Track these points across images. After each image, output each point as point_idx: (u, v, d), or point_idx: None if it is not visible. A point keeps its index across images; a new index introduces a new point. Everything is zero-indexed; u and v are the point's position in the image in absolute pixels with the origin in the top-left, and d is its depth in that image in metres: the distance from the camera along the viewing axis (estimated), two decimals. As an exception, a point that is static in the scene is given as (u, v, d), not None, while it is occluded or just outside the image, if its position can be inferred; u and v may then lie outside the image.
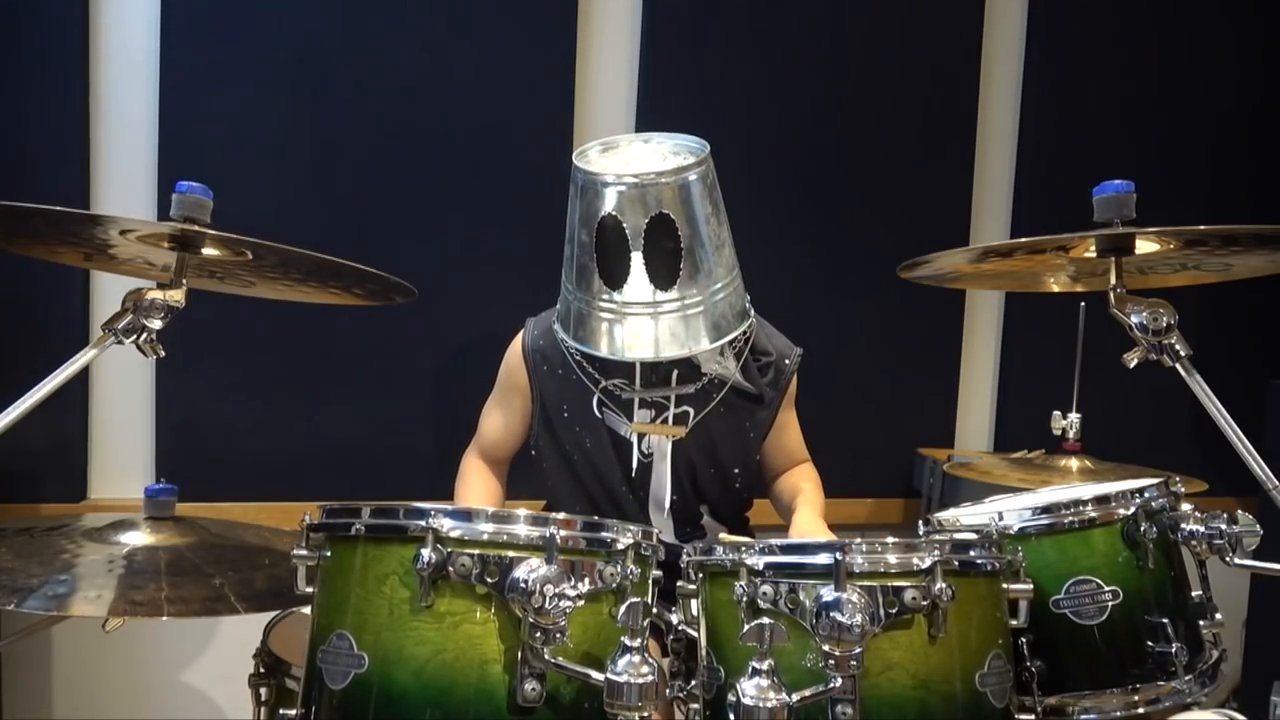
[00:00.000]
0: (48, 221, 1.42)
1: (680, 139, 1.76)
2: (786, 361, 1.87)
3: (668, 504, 1.82)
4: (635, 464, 1.80)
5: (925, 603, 1.15)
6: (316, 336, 2.28)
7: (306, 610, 1.26)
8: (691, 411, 1.79)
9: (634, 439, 1.80)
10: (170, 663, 2.32)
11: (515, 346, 1.88)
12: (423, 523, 1.13)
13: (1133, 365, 1.42)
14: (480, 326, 2.35)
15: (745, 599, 1.18)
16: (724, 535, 1.72)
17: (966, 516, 1.48)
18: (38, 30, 2.12)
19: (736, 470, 1.86)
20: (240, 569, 1.45)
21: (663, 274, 1.65)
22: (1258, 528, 1.34)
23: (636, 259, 1.64)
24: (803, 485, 1.90)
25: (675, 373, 1.78)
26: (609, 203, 1.63)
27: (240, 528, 1.66)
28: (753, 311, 1.81)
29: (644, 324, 1.66)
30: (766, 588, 1.18)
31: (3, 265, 1.96)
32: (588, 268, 1.68)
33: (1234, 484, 1.72)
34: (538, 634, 1.09)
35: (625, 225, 1.63)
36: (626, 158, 1.73)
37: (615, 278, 1.66)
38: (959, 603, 1.17)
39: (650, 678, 1.08)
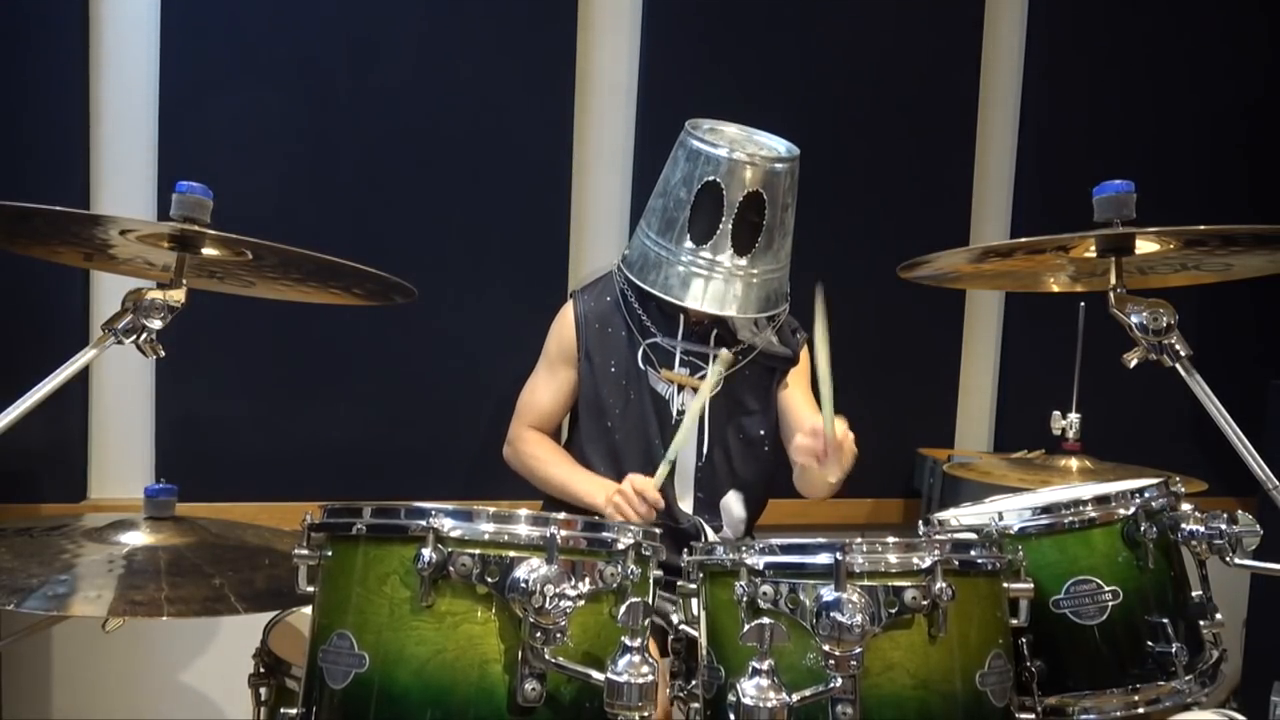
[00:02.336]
0: (48, 221, 1.42)
1: (777, 141, 1.97)
2: (797, 336, 2.05)
3: (693, 467, 1.94)
4: (673, 419, 1.94)
5: (925, 602, 1.15)
6: (316, 336, 2.28)
7: (306, 610, 1.26)
8: (722, 370, 1.93)
9: (670, 393, 1.94)
10: (170, 663, 2.32)
11: (566, 316, 2.02)
12: (423, 522, 1.13)
13: (1133, 365, 1.41)
14: (480, 326, 2.36)
15: (745, 599, 1.18)
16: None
17: (966, 516, 1.48)
18: (38, 30, 2.12)
19: (762, 432, 1.99)
20: (240, 569, 1.45)
21: (743, 243, 1.86)
22: (1258, 528, 1.34)
23: (726, 224, 1.84)
24: None
25: (714, 333, 1.95)
26: (716, 171, 1.85)
27: (240, 528, 1.66)
28: (790, 297, 2.01)
29: (707, 282, 1.87)
30: (767, 588, 1.18)
31: (3, 265, 1.96)
32: (676, 221, 1.88)
33: (1234, 484, 1.72)
34: (538, 634, 1.09)
35: (725, 193, 1.84)
36: (729, 139, 1.93)
37: (702, 235, 1.86)
38: (959, 602, 1.17)
39: (650, 678, 1.08)
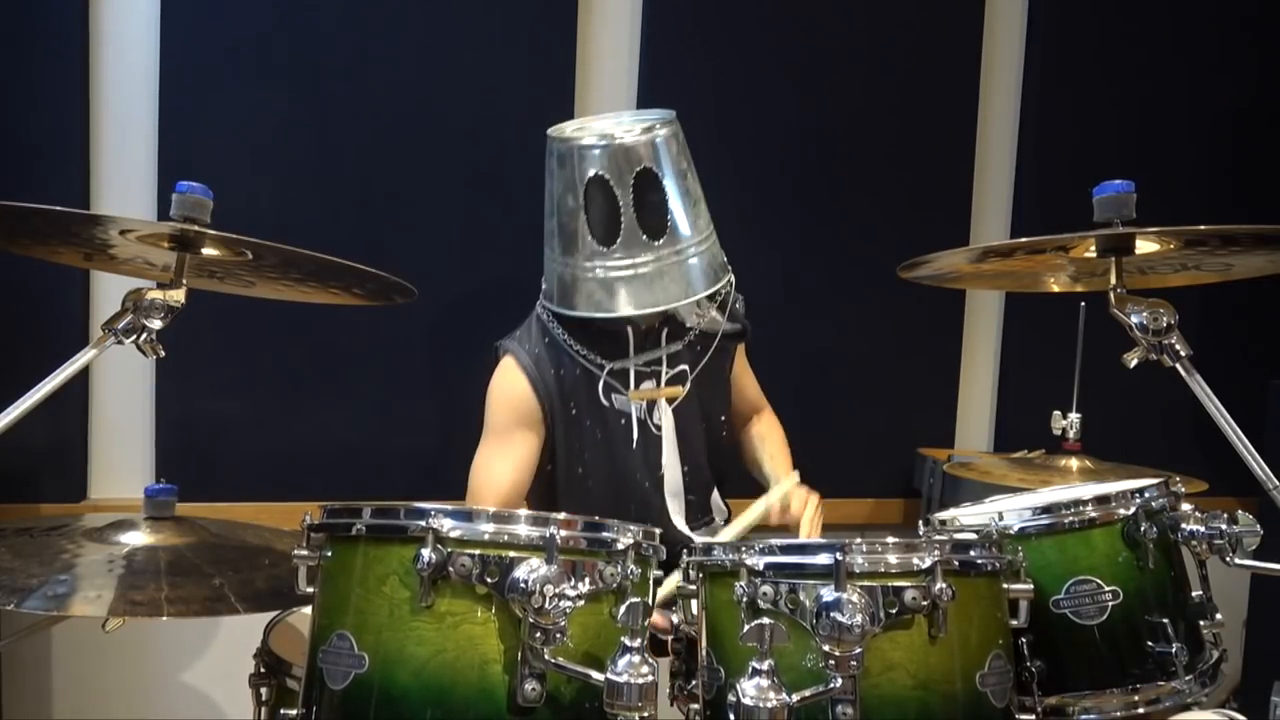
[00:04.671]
0: (48, 221, 1.42)
1: (644, 112, 1.86)
2: (739, 306, 1.94)
3: (680, 478, 1.85)
4: (649, 440, 1.83)
5: (925, 603, 1.15)
6: (316, 336, 2.28)
7: (306, 610, 1.26)
8: (687, 369, 1.86)
9: (642, 412, 1.83)
10: (170, 663, 2.32)
11: (512, 376, 1.82)
12: (423, 523, 1.13)
13: (1133, 365, 1.42)
14: (480, 326, 2.34)
15: (745, 599, 1.18)
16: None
17: (966, 516, 1.48)
18: (38, 30, 2.12)
19: (723, 418, 1.94)
20: (240, 569, 1.45)
21: (653, 226, 1.71)
22: (1258, 528, 1.34)
23: (627, 214, 1.70)
24: (765, 433, 2.04)
25: (665, 332, 1.84)
26: (595, 164, 1.70)
27: (240, 528, 1.66)
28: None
29: (636, 279, 1.71)
30: (767, 588, 1.18)
31: (3, 265, 1.96)
32: (576, 232, 1.73)
33: (1234, 484, 1.71)
34: (538, 634, 1.09)
35: (613, 182, 1.69)
36: (598, 130, 1.78)
37: (608, 235, 1.71)
38: (959, 603, 1.17)
39: (650, 678, 1.08)
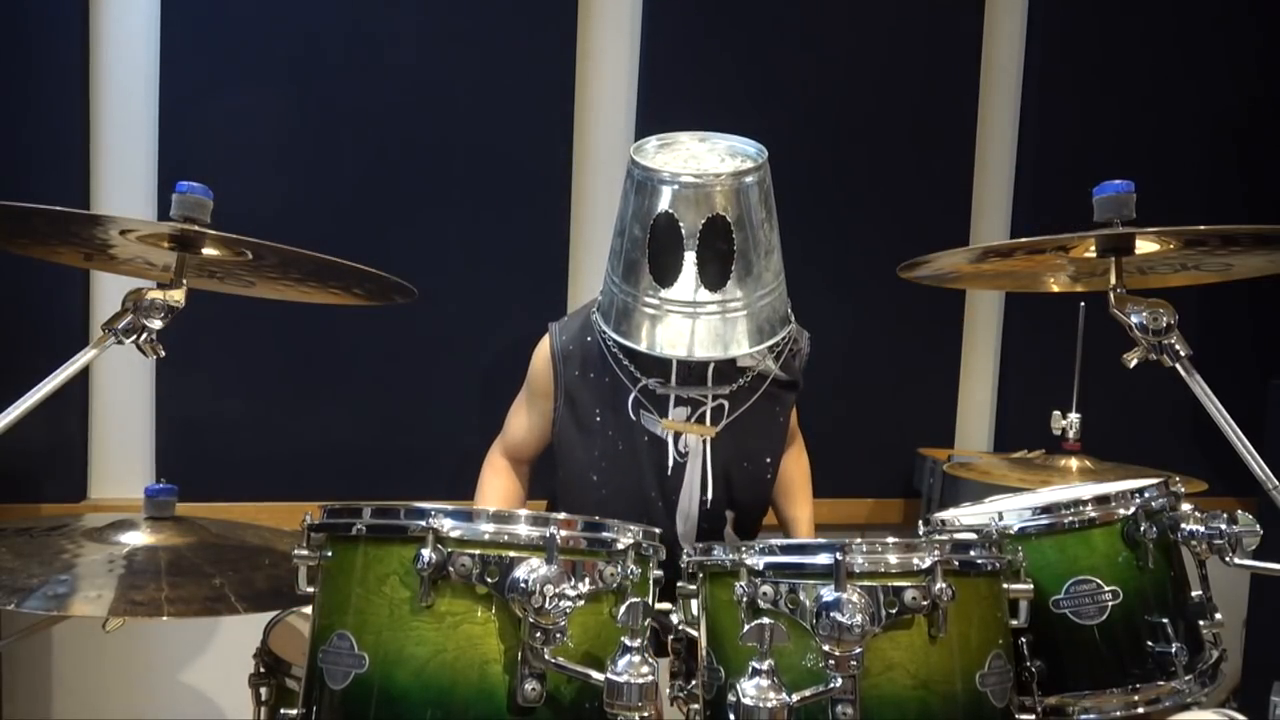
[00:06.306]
0: (48, 221, 1.42)
1: (737, 141, 1.75)
2: (804, 350, 1.88)
3: (697, 505, 1.80)
4: (671, 464, 1.78)
5: (925, 603, 1.15)
6: (316, 336, 2.28)
7: (307, 610, 1.26)
8: (726, 405, 1.78)
9: (669, 437, 1.77)
10: (170, 663, 2.32)
11: (543, 350, 1.85)
12: (423, 523, 1.13)
13: (1133, 365, 1.42)
14: (480, 327, 2.35)
15: (745, 599, 1.18)
16: None
17: (966, 516, 1.48)
18: (38, 30, 2.12)
19: (769, 460, 1.85)
20: (240, 569, 1.45)
21: (714, 275, 1.64)
22: (1258, 528, 1.35)
23: (689, 258, 1.62)
24: (796, 481, 2.01)
25: (711, 370, 1.76)
26: (666, 200, 1.62)
27: (240, 528, 1.66)
28: (793, 316, 1.80)
29: (685, 323, 1.65)
30: (767, 588, 1.18)
31: (3, 265, 1.96)
32: (638, 263, 1.66)
33: (1234, 484, 1.72)
34: (538, 634, 1.09)
35: (681, 224, 1.62)
36: (684, 156, 1.72)
37: (666, 275, 1.65)
38: (959, 603, 1.17)
39: (650, 678, 1.08)
